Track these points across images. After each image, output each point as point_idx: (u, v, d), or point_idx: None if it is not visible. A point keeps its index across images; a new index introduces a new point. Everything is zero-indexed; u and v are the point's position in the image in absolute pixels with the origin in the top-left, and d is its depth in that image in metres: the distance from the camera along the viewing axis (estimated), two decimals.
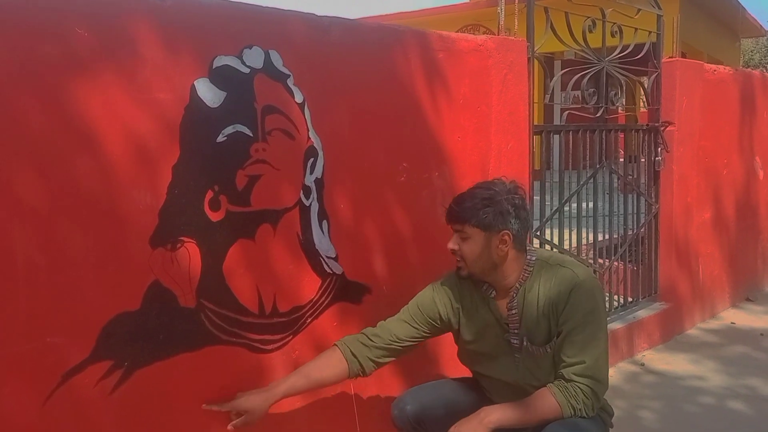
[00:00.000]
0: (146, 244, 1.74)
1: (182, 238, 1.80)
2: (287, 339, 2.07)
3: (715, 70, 4.28)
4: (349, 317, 2.26)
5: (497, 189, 1.88)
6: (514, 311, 1.91)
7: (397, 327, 2.02)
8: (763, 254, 5.04)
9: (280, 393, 1.89)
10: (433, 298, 2.05)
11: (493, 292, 1.95)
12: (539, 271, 1.90)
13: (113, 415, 1.70)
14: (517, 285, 1.91)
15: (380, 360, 2.01)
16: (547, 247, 3.25)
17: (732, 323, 4.24)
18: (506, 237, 1.85)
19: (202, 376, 1.87)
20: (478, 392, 2.08)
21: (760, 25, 13.95)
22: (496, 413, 1.78)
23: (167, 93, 1.75)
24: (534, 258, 1.92)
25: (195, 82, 1.80)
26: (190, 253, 1.81)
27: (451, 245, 1.89)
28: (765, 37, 15.94)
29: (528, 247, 1.96)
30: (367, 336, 2.00)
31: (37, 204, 1.54)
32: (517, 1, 2.90)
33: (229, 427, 1.85)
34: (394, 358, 2.05)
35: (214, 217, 1.86)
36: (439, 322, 2.04)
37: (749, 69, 5.05)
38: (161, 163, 1.75)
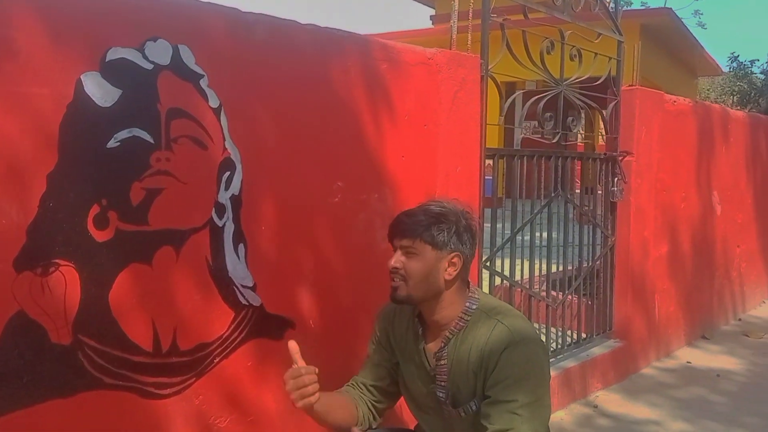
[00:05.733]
0: (9, 267, 1.44)
1: (57, 260, 1.50)
2: (189, 382, 1.77)
3: (675, 101, 4.18)
4: (268, 356, 1.98)
5: (450, 207, 1.69)
6: (443, 362, 1.68)
7: (367, 373, 1.87)
8: (719, 291, 4.93)
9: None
10: (377, 330, 1.88)
11: (421, 329, 1.72)
12: (476, 322, 1.68)
13: None
14: (449, 333, 1.68)
15: (378, 405, 1.85)
16: (497, 279, 3.03)
17: (688, 362, 4.08)
18: (456, 260, 1.67)
19: (78, 427, 1.56)
20: None
21: (717, 65, 14.30)
22: None
23: (44, 87, 1.47)
24: (474, 307, 1.70)
25: (81, 76, 1.52)
26: (67, 279, 1.52)
27: (393, 263, 1.65)
28: (721, 77, 16.36)
29: (471, 291, 1.74)
30: (352, 387, 1.85)
31: None
32: (471, 17, 2.72)
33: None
34: (389, 402, 1.90)
35: (100, 236, 1.57)
36: (391, 355, 1.85)
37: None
38: (33, 171, 1.46)
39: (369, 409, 1.82)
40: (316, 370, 1.59)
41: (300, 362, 1.58)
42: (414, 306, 1.74)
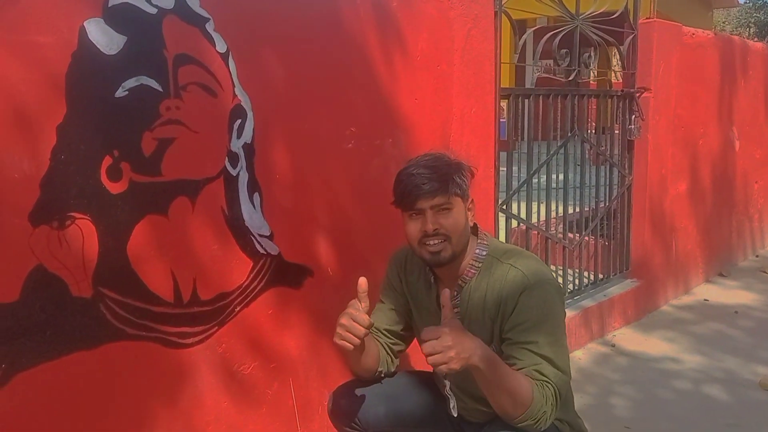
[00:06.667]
0: (25, 222, 1.42)
1: (72, 213, 1.48)
2: (211, 331, 1.78)
3: (693, 34, 4.03)
4: (288, 304, 1.98)
5: (442, 157, 1.63)
6: (456, 311, 1.65)
7: (382, 317, 1.80)
8: (738, 228, 4.88)
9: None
10: (390, 275, 1.83)
11: (432, 277, 1.70)
12: (488, 268, 1.64)
13: None
14: (461, 282, 1.65)
15: (395, 348, 1.82)
16: (514, 222, 3.00)
17: (705, 300, 4.08)
18: (472, 204, 1.65)
19: (103, 377, 1.58)
20: (434, 390, 1.82)
21: None
22: (479, 355, 1.40)
23: (48, 36, 1.42)
24: (485, 253, 1.66)
25: (85, 23, 1.47)
26: (84, 231, 1.50)
27: (431, 226, 1.56)
28: (737, 9, 15.82)
29: (480, 237, 1.69)
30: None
31: None
32: None
33: None
34: (405, 344, 1.86)
35: (114, 188, 1.54)
36: (405, 300, 1.82)
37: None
38: (42, 123, 1.43)
39: (387, 352, 1.81)
40: (372, 326, 1.56)
41: (364, 303, 1.52)
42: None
